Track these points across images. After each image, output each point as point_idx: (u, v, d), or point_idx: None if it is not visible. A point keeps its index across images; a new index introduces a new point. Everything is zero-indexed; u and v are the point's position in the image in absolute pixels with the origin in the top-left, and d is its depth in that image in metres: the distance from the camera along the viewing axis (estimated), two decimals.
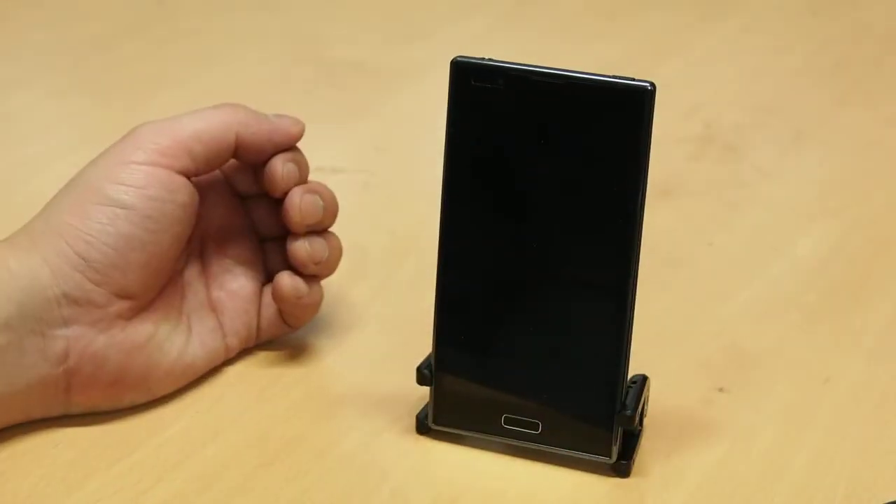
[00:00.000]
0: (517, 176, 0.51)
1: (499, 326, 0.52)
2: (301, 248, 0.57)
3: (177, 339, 0.56)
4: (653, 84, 0.48)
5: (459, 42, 1.00)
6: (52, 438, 0.53)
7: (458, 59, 0.50)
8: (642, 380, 0.53)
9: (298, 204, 0.57)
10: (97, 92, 0.91)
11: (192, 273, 0.58)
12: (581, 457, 0.52)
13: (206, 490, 0.51)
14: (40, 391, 0.52)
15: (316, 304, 0.59)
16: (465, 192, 0.51)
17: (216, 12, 1.07)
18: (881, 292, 0.67)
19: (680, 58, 0.99)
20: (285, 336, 0.61)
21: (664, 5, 1.12)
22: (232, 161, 0.58)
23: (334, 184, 0.60)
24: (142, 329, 0.54)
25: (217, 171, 0.59)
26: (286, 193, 0.57)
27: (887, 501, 0.51)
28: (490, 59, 0.50)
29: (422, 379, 0.53)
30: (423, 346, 0.55)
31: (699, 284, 0.68)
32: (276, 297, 0.58)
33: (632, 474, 0.52)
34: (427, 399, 0.54)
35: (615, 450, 0.52)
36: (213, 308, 0.58)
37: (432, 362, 0.53)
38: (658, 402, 0.56)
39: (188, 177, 0.55)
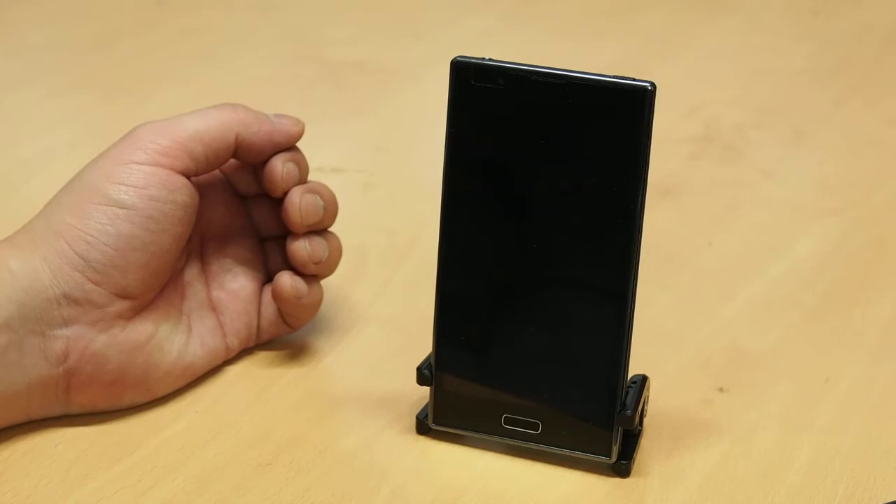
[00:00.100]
0: (517, 176, 0.51)
1: (499, 326, 0.52)
2: (301, 248, 0.57)
3: (177, 338, 0.56)
4: (653, 84, 0.48)
5: (459, 42, 1.00)
6: (52, 438, 0.53)
7: (458, 59, 0.50)
8: (642, 380, 0.53)
9: (298, 204, 0.57)
10: (97, 91, 0.91)
11: (192, 273, 0.58)
12: (581, 457, 0.52)
13: (206, 490, 0.51)
14: (40, 391, 0.52)
15: (316, 305, 0.59)
16: (465, 192, 0.51)
17: (216, 12, 1.07)
18: (881, 292, 0.67)
19: (680, 58, 0.99)
20: (285, 336, 0.61)
21: (664, 5, 1.12)
22: (232, 161, 0.58)
23: (334, 184, 0.60)
24: (142, 329, 0.54)
25: (217, 171, 0.59)
26: (286, 193, 0.57)
27: (887, 502, 0.51)
28: (490, 59, 0.50)
29: (422, 379, 0.54)
30: (423, 346, 0.55)
31: (699, 284, 0.68)
32: (276, 297, 0.58)
33: (632, 474, 0.52)
34: (427, 399, 0.54)
35: (615, 450, 0.52)
36: (214, 308, 0.58)
37: (432, 362, 0.53)
38: (658, 402, 0.56)
39: (188, 177, 0.55)
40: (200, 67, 0.95)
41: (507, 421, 0.53)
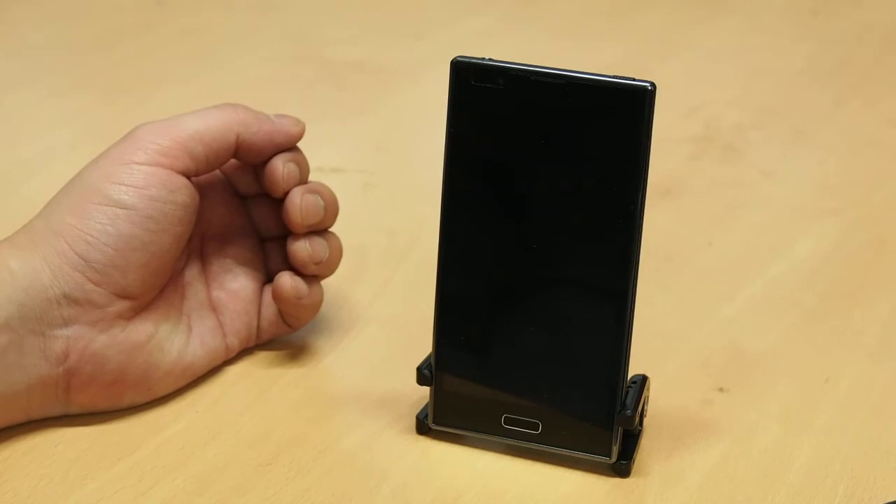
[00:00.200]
0: (517, 176, 0.51)
1: (499, 326, 0.52)
2: (301, 248, 0.57)
3: (177, 338, 0.56)
4: (653, 84, 0.48)
5: (459, 42, 1.00)
6: (52, 438, 0.53)
7: (458, 59, 0.50)
8: (642, 380, 0.53)
9: (299, 204, 0.57)
10: (97, 91, 0.91)
11: (192, 273, 0.58)
12: (581, 457, 0.52)
13: (206, 490, 0.51)
14: (40, 391, 0.52)
15: (316, 305, 0.59)
16: (465, 192, 0.51)
17: (216, 12, 1.07)
18: (881, 292, 0.67)
19: (680, 58, 0.99)
20: (285, 336, 0.61)
21: (664, 5, 1.12)
22: (232, 161, 0.58)
23: (334, 184, 0.60)
24: (142, 329, 0.54)
25: (217, 171, 0.59)
26: (287, 193, 0.57)
27: (887, 502, 0.51)
28: (490, 59, 0.50)
29: (422, 379, 0.53)
30: (423, 346, 0.55)
31: (699, 284, 0.68)
32: (277, 297, 0.58)
33: (632, 474, 0.52)
34: (427, 399, 0.54)
35: (615, 450, 0.52)
36: (214, 308, 0.58)
37: (432, 362, 0.53)
38: (658, 402, 0.56)
39: (189, 177, 0.55)
40: (200, 67, 0.95)
41: (507, 421, 0.53)
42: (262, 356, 0.60)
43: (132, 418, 0.55)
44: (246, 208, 0.60)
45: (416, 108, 0.90)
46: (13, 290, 0.51)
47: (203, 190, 0.57)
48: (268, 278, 0.60)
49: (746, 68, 0.99)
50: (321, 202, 0.57)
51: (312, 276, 0.58)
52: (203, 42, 1.00)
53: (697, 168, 0.81)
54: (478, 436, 0.54)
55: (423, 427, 0.55)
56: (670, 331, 0.63)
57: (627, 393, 0.52)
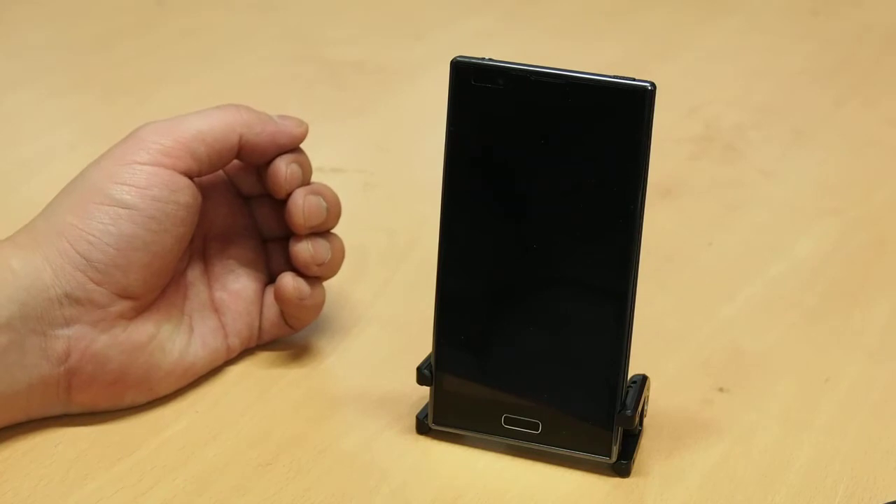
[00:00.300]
0: (517, 176, 0.51)
1: (499, 326, 0.52)
2: (304, 249, 0.57)
3: (178, 339, 0.56)
4: (653, 84, 0.48)
5: (459, 42, 1.00)
6: (52, 438, 0.53)
7: (458, 59, 0.50)
8: (642, 380, 0.53)
9: (302, 205, 0.57)
10: (97, 91, 0.91)
11: (194, 273, 0.58)
12: (581, 457, 0.52)
13: (206, 490, 0.51)
14: (41, 390, 0.52)
15: (318, 306, 0.59)
16: (465, 192, 0.51)
17: (216, 12, 1.07)
18: (881, 292, 0.67)
19: (680, 58, 0.99)
20: (287, 337, 0.61)
21: (664, 5, 1.12)
22: (235, 162, 0.58)
23: (334, 184, 0.60)
24: (143, 329, 0.54)
25: (220, 172, 0.59)
26: (289, 194, 0.57)
27: (887, 501, 0.51)
28: (490, 59, 0.50)
29: (422, 379, 0.53)
30: (423, 346, 0.55)
31: (699, 284, 0.68)
32: (279, 298, 0.58)
33: (632, 474, 0.52)
34: (427, 399, 0.54)
35: (615, 450, 0.52)
36: (216, 308, 0.58)
37: (432, 362, 0.53)
38: (658, 402, 0.56)
39: (191, 177, 0.55)
40: (200, 67, 0.95)
41: (508, 421, 0.53)
42: (262, 356, 0.60)
43: (132, 418, 0.55)
44: (248, 209, 0.60)
45: (416, 108, 0.90)
46: (14, 289, 0.51)
47: (205, 190, 0.57)
48: (270, 279, 0.60)
49: (746, 68, 0.99)
50: (324, 203, 0.57)
51: (315, 278, 0.58)
52: (203, 42, 1.00)
53: (697, 168, 0.81)
54: (478, 436, 0.54)
55: (423, 427, 0.55)
56: (670, 331, 0.63)
57: (627, 393, 0.52)
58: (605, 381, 0.51)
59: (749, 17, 1.10)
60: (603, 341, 0.51)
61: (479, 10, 1.09)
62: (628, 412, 0.51)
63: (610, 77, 0.49)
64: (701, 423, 0.56)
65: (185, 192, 0.54)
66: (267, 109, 0.58)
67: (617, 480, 0.52)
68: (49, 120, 0.86)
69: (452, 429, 0.54)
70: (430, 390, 0.54)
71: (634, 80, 0.49)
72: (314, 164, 0.59)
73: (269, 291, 0.59)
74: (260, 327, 0.59)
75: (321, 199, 0.57)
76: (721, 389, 0.58)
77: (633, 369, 0.53)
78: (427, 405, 0.54)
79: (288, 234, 0.58)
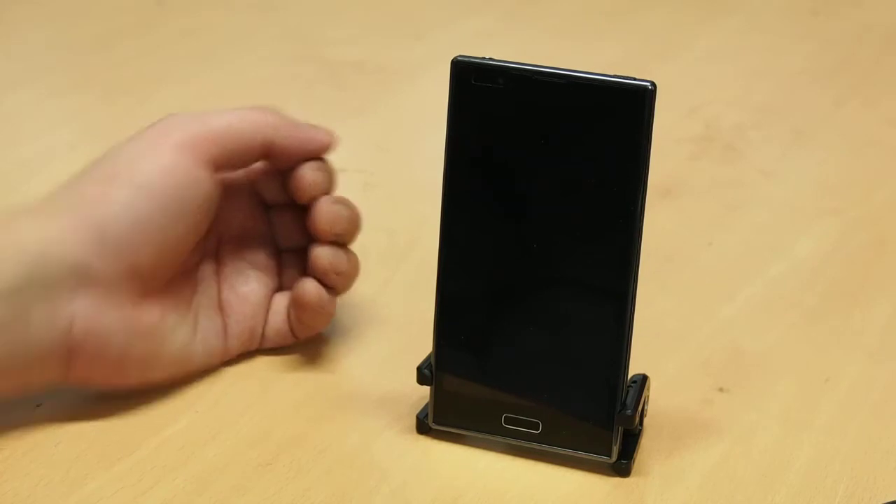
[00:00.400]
0: (517, 176, 0.51)
1: (499, 326, 0.52)
2: (325, 255, 0.57)
3: (182, 331, 0.56)
4: (653, 84, 0.48)
5: (459, 42, 1.00)
6: (52, 438, 0.53)
7: (459, 58, 0.50)
8: (642, 380, 0.53)
9: (327, 211, 0.57)
10: (97, 91, 0.91)
11: (206, 271, 0.58)
12: (581, 456, 0.52)
13: (206, 490, 0.51)
14: (41, 362, 0.52)
15: (330, 317, 0.59)
16: (465, 192, 0.51)
17: (216, 12, 1.07)
18: (881, 292, 0.67)
19: (680, 58, 0.99)
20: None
21: (664, 5, 1.12)
22: (260, 167, 0.58)
23: None
24: (150, 313, 0.54)
25: (244, 177, 0.59)
26: (312, 201, 0.57)
27: (887, 501, 0.51)
28: (490, 59, 0.50)
29: (422, 378, 0.53)
30: (423, 346, 0.55)
31: (699, 284, 0.68)
32: (298, 301, 0.58)
33: (632, 474, 0.52)
34: (427, 399, 0.54)
35: (615, 450, 0.52)
36: (222, 308, 0.58)
37: (432, 362, 0.53)
38: (658, 402, 0.56)
39: (213, 170, 0.55)
40: (200, 67, 0.95)
41: (508, 420, 0.53)
42: (262, 356, 0.60)
43: (132, 418, 0.55)
44: (268, 217, 0.60)
45: (416, 108, 0.90)
46: (24, 256, 0.51)
47: (228, 191, 0.57)
48: (279, 288, 0.60)
49: (746, 68, 0.99)
50: (346, 213, 0.57)
51: (330, 288, 0.58)
52: (203, 42, 1.00)
53: (697, 168, 0.81)
54: (478, 435, 0.54)
55: (424, 427, 0.55)
56: (670, 331, 0.63)
57: (627, 393, 0.52)
58: (606, 380, 0.51)
59: (749, 17, 1.10)
60: (603, 341, 0.51)
61: (479, 10, 1.09)
62: (628, 412, 0.51)
63: (610, 77, 0.49)
64: (701, 423, 0.56)
65: (205, 183, 0.54)
66: None
67: (617, 480, 0.52)
68: (49, 120, 0.86)
69: (453, 428, 0.54)
70: (431, 390, 0.54)
71: (635, 79, 0.49)
72: None
73: (277, 299, 0.59)
74: (263, 334, 0.59)
75: (344, 208, 0.57)
76: (721, 389, 0.58)
77: (633, 369, 0.53)
78: (427, 405, 0.54)
79: (303, 246, 0.59)
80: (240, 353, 0.59)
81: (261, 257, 0.59)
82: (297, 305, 0.58)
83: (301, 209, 0.58)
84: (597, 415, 0.52)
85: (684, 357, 0.61)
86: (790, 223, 0.75)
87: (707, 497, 0.51)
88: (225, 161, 0.56)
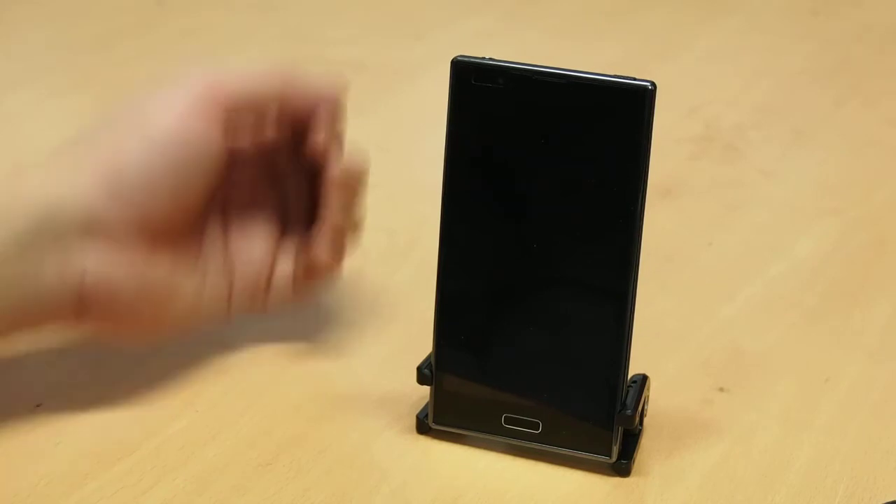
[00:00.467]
0: (517, 176, 0.51)
1: (499, 326, 0.52)
2: (340, 208, 0.58)
3: (189, 286, 0.56)
4: (653, 84, 0.48)
5: (459, 42, 1.00)
6: (52, 438, 0.53)
7: (459, 58, 0.50)
8: (642, 380, 0.53)
9: (346, 160, 0.58)
10: (97, 91, 0.91)
11: (213, 228, 0.58)
12: (581, 456, 0.52)
13: (206, 490, 0.51)
14: (53, 313, 0.52)
15: (334, 276, 0.59)
16: (465, 192, 0.51)
17: (216, 12, 1.07)
18: (881, 292, 0.67)
19: (680, 58, 0.99)
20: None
21: (664, 5, 1.12)
22: (273, 136, 0.58)
23: None
24: (159, 267, 0.54)
25: (258, 144, 0.59)
26: (327, 157, 0.58)
27: (887, 501, 0.51)
28: (490, 59, 0.50)
29: (422, 378, 0.53)
30: (423, 345, 0.55)
31: (699, 284, 0.68)
32: (314, 254, 0.58)
33: (632, 474, 0.52)
34: (427, 398, 0.54)
35: (615, 450, 0.52)
36: (227, 266, 0.58)
37: (432, 362, 0.53)
38: (658, 402, 0.56)
39: (225, 127, 0.55)
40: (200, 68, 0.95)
41: (508, 420, 0.53)
42: (262, 356, 0.60)
43: (132, 418, 0.55)
44: (280, 187, 0.60)
45: (416, 108, 0.90)
46: (36, 207, 0.51)
47: (240, 157, 0.57)
48: (284, 250, 0.60)
49: (746, 68, 0.99)
50: (359, 168, 0.58)
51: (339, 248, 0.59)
52: (203, 42, 1.00)
53: (697, 168, 0.81)
54: (478, 435, 0.54)
55: (424, 427, 0.55)
56: (670, 331, 0.63)
57: (627, 393, 0.52)
58: (606, 380, 0.51)
59: (749, 17, 1.10)
60: (603, 341, 0.51)
61: (479, 10, 1.09)
62: (628, 412, 0.51)
63: (610, 77, 0.49)
64: (701, 423, 0.56)
65: (219, 140, 0.55)
66: None
67: (617, 480, 0.52)
68: (49, 120, 0.86)
69: (453, 428, 0.54)
70: (431, 390, 0.54)
71: (635, 79, 0.49)
72: None
73: (281, 261, 0.59)
74: (266, 293, 0.59)
75: (356, 163, 0.58)
76: (721, 389, 0.58)
77: (633, 369, 0.53)
78: (427, 405, 0.54)
79: (310, 219, 0.59)
80: (245, 312, 0.59)
81: (267, 219, 0.60)
82: (310, 258, 0.58)
83: (307, 172, 0.59)
84: (597, 415, 0.52)
85: (684, 357, 0.61)
86: (790, 223, 0.75)
87: (707, 497, 0.51)
88: (239, 118, 0.56)
